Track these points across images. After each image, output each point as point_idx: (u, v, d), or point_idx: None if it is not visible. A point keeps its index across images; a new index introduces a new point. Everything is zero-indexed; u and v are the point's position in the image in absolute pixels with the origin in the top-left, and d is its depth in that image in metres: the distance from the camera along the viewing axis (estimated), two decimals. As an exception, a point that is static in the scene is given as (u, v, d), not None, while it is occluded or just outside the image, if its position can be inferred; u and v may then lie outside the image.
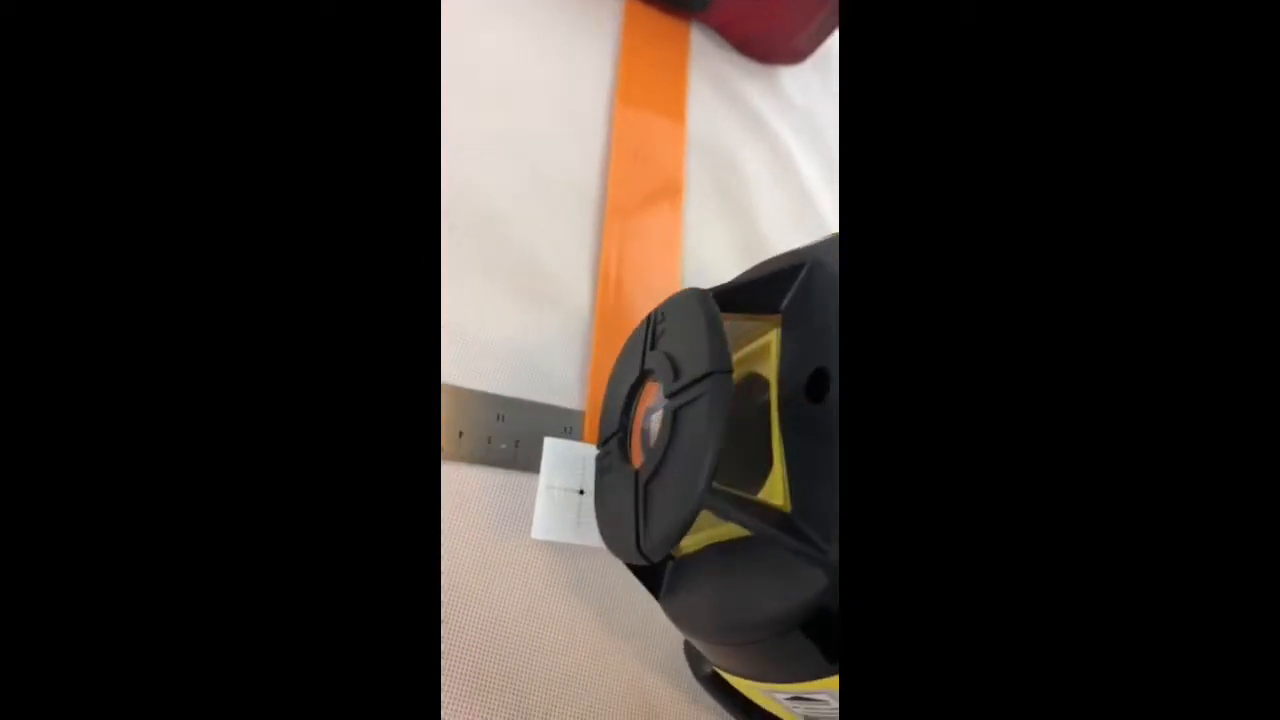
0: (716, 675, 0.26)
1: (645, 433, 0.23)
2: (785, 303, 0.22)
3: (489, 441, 0.28)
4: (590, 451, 0.29)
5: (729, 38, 0.47)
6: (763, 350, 0.22)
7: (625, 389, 0.24)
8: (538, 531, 0.27)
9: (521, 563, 0.27)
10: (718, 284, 0.23)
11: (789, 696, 0.21)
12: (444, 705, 0.24)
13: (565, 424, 0.30)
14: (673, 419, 0.20)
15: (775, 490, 0.20)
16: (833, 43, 0.49)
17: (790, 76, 0.50)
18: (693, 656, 0.27)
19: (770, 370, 0.21)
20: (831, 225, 0.45)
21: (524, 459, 0.29)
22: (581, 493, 0.29)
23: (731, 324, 0.22)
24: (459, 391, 0.29)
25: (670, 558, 0.23)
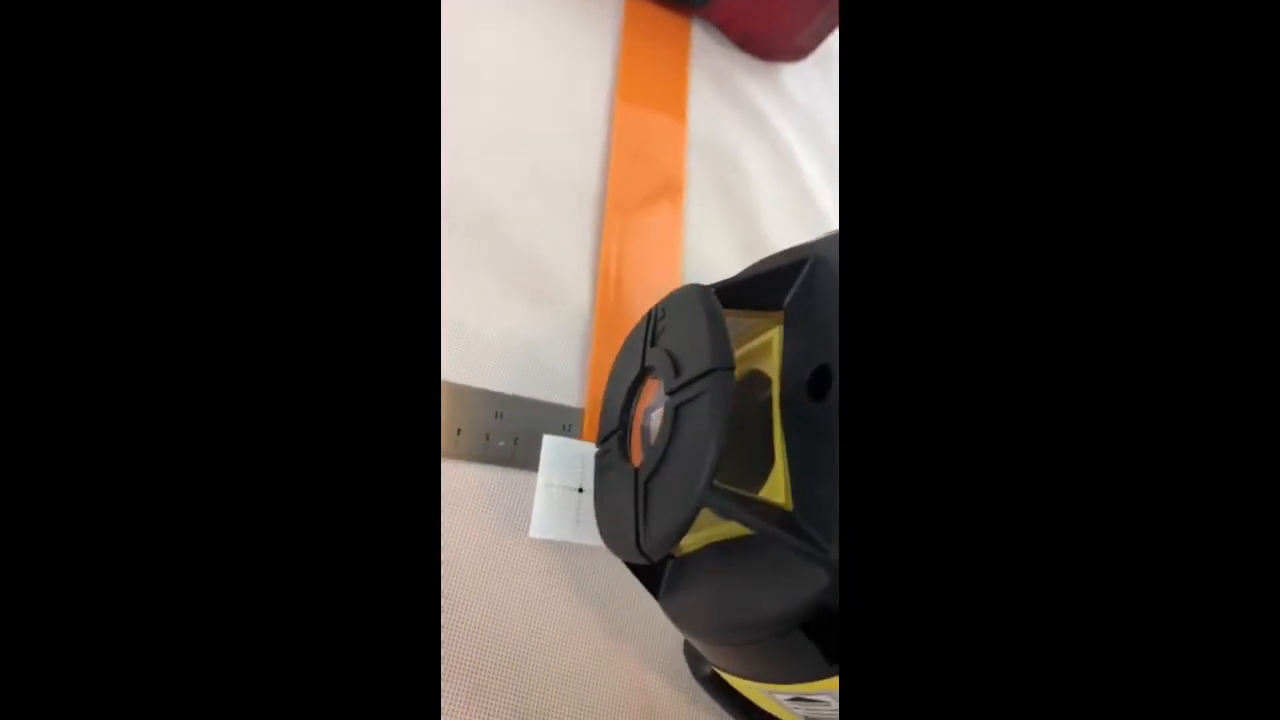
0: (716, 675, 0.26)
1: (645, 430, 0.23)
2: (788, 299, 0.21)
3: (487, 439, 0.28)
4: (589, 450, 0.29)
5: (730, 34, 0.47)
6: (764, 347, 0.22)
7: (625, 386, 0.24)
8: (536, 530, 0.27)
9: (520, 561, 0.27)
10: (720, 279, 0.23)
11: (789, 697, 0.21)
12: (444, 701, 0.24)
13: (564, 421, 0.30)
14: (674, 416, 0.20)
15: (777, 489, 0.19)
16: (834, 40, 0.49)
17: (792, 74, 0.49)
18: (692, 657, 0.27)
19: (772, 367, 0.21)
20: (833, 223, 0.45)
21: (523, 457, 0.28)
22: (580, 491, 0.28)
23: (732, 321, 0.21)
24: (458, 388, 0.28)
25: (670, 557, 0.23)
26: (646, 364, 0.23)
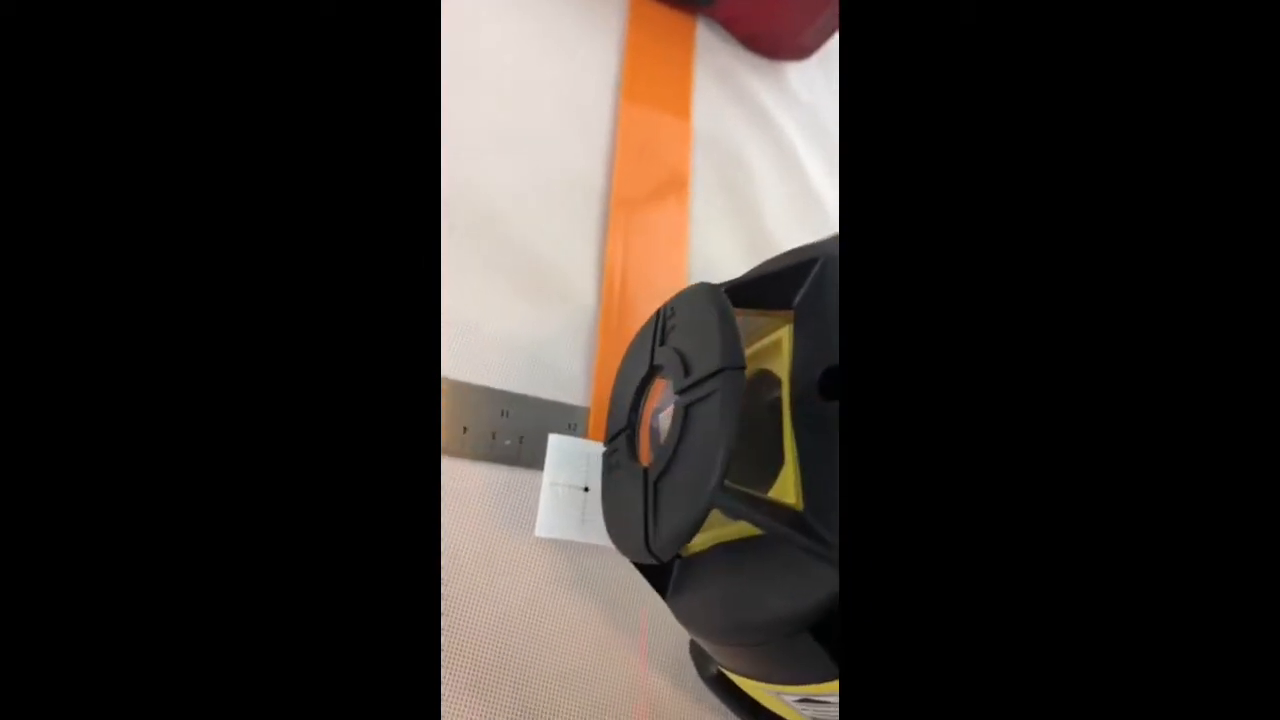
0: (722, 676, 0.26)
1: (654, 430, 0.23)
2: (798, 298, 0.21)
3: (493, 438, 0.28)
4: (595, 449, 0.29)
5: (735, 32, 0.47)
6: (774, 346, 0.22)
7: (633, 385, 0.24)
8: (541, 529, 0.27)
9: (525, 560, 0.27)
10: (724, 280, 0.23)
11: (797, 698, 0.21)
12: (446, 702, 0.24)
13: (570, 420, 0.30)
14: (683, 416, 0.20)
15: (786, 489, 0.19)
16: (838, 39, 0.49)
17: (796, 72, 0.49)
18: (698, 656, 0.27)
19: (782, 367, 0.21)
20: (836, 222, 0.45)
21: (528, 455, 0.28)
22: (586, 490, 0.28)
23: (741, 320, 0.21)
24: (463, 387, 0.28)
25: (677, 556, 0.23)
26: (655, 363, 0.23)
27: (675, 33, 0.44)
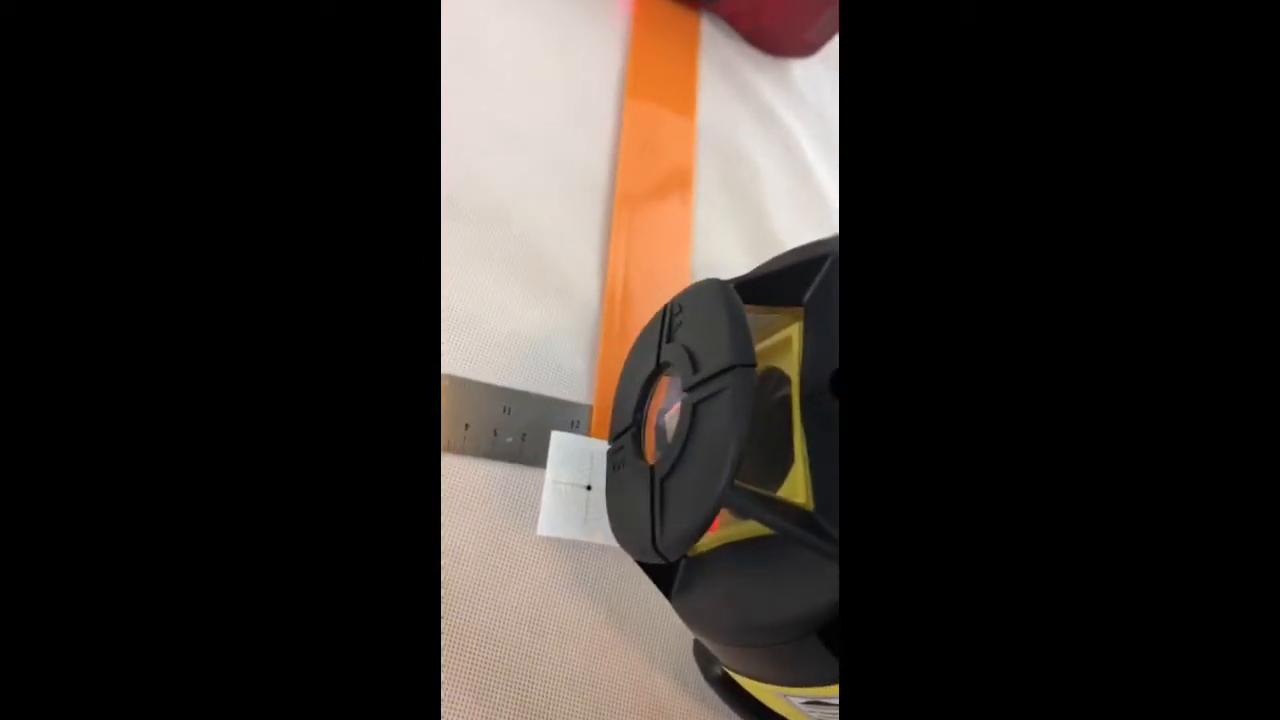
0: (727, 677, 0.25)
1: (660, 428, 0.22)
2: (808, 295, 0.21)
3: (495, 434, 0.28)
4: (598, 446, 0.29)
5: (739, 29, 0.47)
6: (783, 344, 0.22)
7: (639, 382, 0.24)
8: (544, 528, 0.27)
9: (527, 559, 0.27)
10: (729, 276, 0.22)
11: (805, 700, 0.20)
12: (447, 702, 0.23)
13: (572, 418, 0.30)
14: (691, 413, 0.19)
15: (796, 488, 0.19)
16: (843, 37, 0.48)
17: (801, 69, 0.49)
18: (703, 657, 0.27)
19: (792, 365, 0.21)
20: (840, 221, 0.44)
21: (530, 453, 0.28)
22: (589, 489, 0.28)
23: (750, 316, 0.21)
24: (465, 383, 0.28)
25: (683, 556, 0.23)
26: (662, 360, 0.23)
27: (680, 28, 0.44)
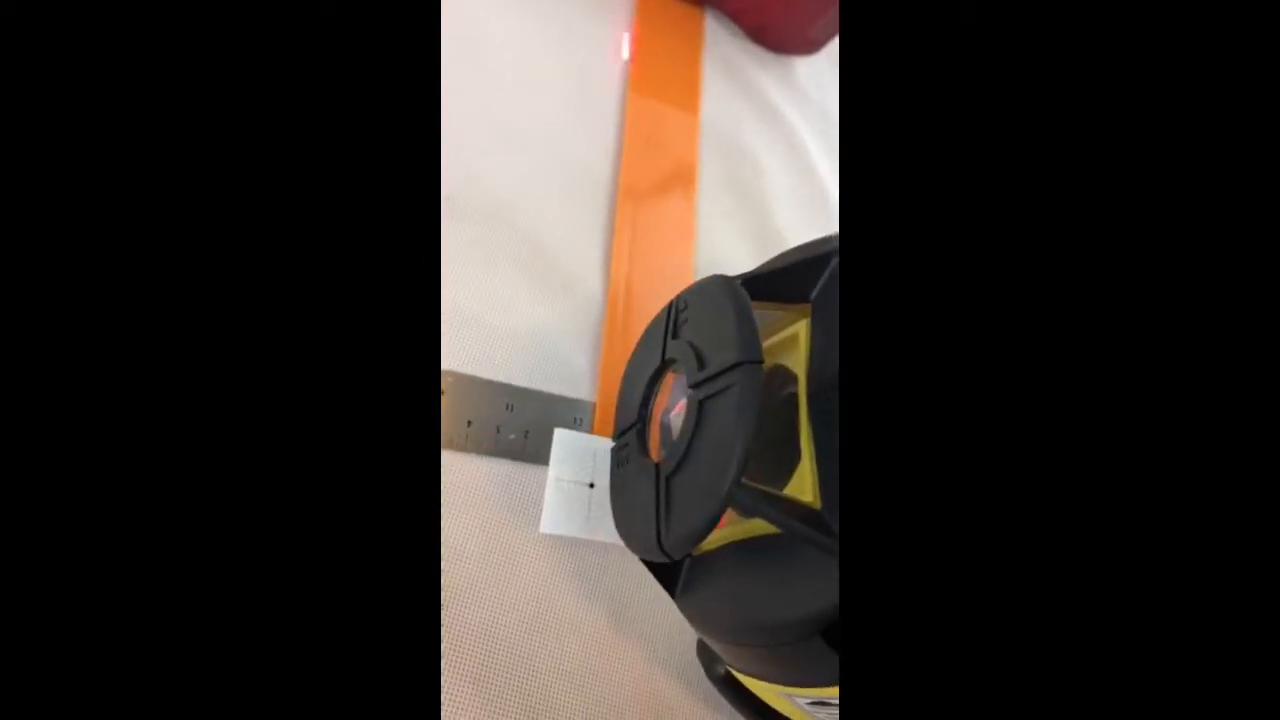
0: (730, 676, 0.25)
1: (665, 425, 0.22)
2: (815, 292, 0.21)
3: (497, 432, 0.27)
4: (601, 444, 0.29)
5: (743, 26, 0.46)
6: (789, 341, 0.22)
7: (644, 379, 0.24)
8: (546, 525, 0.27)
9: (529, 556, 0.26)
10: (733, 273, 0.22)
11: (810, 701, 0.20)
12: (448, 700, 0.23)
13: (575, 415, 0.29)
14: (697, 410, 0.19)
15: (803, 486, 0.19)
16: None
17: (804, 67, 0.49)
18: (706, 656, 0.27)
19: (799, 362, 0.21)
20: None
21: (533, 450, 0.28)
22: (592, 486, 0.28)
23: (757, 313, 0.21)
24: (468, 380, 0.28)
25: (688, 554, 0.23)
26: (667, 357, 0.22)
27: (683, 25, 0.44)
